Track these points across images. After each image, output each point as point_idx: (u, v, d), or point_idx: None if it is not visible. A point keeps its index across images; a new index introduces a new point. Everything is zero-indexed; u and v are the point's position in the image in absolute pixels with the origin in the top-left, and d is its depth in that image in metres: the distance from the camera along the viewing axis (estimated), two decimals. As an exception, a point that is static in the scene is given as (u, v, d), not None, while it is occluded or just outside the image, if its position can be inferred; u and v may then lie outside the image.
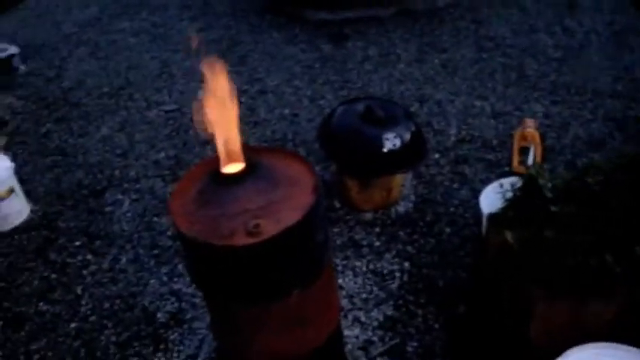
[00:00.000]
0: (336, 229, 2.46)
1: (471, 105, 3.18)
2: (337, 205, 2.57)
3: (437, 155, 2.82)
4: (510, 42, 3.74)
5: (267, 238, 1.31)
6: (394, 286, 2.19)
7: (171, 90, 3.61)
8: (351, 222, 2.49)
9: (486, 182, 2.46)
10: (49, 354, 2.07)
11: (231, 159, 1.51)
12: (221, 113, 1.46)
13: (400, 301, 2.12)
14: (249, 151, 1.52)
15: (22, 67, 3.92)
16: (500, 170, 2.66)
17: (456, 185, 2.63)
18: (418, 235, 2.40)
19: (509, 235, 1.75)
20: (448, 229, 2.41)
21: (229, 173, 1.47)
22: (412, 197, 2.59)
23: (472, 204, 2.46)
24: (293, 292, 1.43)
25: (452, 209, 2.51)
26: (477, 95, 3.26)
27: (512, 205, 1.85)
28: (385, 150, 2.29)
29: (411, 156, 2.39)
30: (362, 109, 2.38)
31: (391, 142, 2.29)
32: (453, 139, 2.93)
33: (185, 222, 1.40)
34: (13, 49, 3.86)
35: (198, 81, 3.55)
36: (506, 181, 2.14)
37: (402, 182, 2.57)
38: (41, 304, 2.27)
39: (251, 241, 1.31)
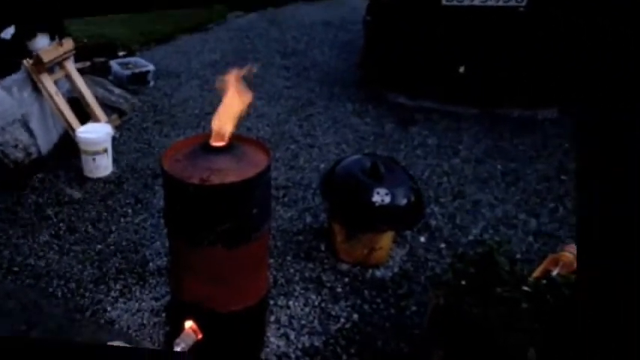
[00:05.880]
0: (310, 265, 2.63)
1: (513, 216, 2.94)
2: (322, 248, 2.73)
3: (443, 245, 2.76)
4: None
5: (208, 185, 1.73)
6: (334, 327, 2.29)
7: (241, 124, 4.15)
8: (327, 265, 2.63)
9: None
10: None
11: (220, 138, 1.97)
12: (225, 110, 1.94)
13: (332, 341, 2.23)
14: (233, 137, 1.98)
15: (152, 82, 5.00)
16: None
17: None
18: (382, 300, 2.43)
19: (440, 298, 1.86)
20: (414, 308, 2.40)
21: (211, 145, 1.95)
22: (395, 269, 2.60)
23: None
24: (217, 245, 1.80)
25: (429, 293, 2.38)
26: (526, 209, 2.99)
27: (466, 275, 1.87)
28: (374, 203, 2.39)
29: (397, 220, 2.46)
30: (367, 164, 2.51)
31: (381, 197, 2.39)
32: (470, 237, 2.80)
33: (168, 164, 1.89)
34: (151, 67, 5.00)
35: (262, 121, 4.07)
36: None
37: (390, 250, 2.63)
38: (87, 223, 3.04)
39: (197, 183, 1.74)
